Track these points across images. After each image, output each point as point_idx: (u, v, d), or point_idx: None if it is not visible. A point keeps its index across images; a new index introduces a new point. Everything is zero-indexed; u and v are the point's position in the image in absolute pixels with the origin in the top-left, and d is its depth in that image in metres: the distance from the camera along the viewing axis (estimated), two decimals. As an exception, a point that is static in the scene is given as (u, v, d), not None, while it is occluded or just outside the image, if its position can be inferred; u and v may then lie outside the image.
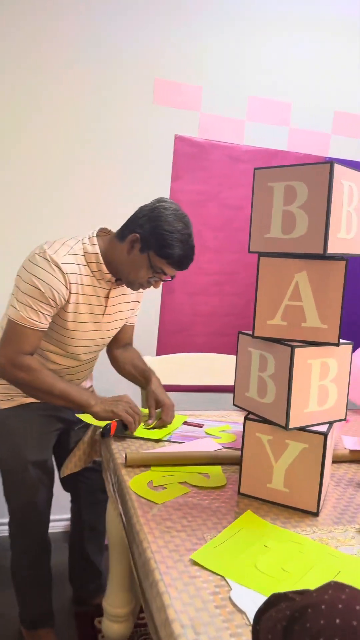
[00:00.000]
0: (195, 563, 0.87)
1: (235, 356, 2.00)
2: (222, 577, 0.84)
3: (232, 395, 2.28)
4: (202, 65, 2.18)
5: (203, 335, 2.37)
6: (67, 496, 1.80)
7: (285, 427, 1.03)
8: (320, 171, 0.97)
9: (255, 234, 1.07)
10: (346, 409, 1.12)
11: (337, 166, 0.96)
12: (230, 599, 0.79)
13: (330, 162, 0.96)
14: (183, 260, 1.35)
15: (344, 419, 1.12)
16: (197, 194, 2.25)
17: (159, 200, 1.38)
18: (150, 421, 1.46)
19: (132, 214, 1.46)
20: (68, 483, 1.73)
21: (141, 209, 1.40)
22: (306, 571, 0.86)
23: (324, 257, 1.00)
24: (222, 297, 2.37)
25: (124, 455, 1.25)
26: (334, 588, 0.49)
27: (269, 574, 0.85)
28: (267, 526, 0.99)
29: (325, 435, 1.04)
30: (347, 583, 0.51)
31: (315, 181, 0.98)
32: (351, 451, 1.33)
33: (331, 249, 0.99)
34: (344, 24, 2.31)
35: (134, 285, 1.42)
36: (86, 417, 1.40)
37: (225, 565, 0.86)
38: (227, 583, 0.82)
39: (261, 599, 0.79)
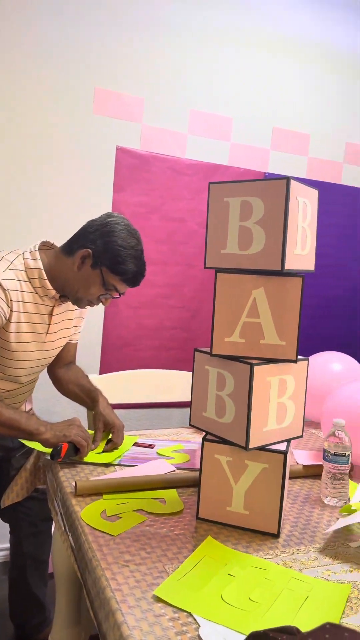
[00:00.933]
0: (159, 599, 0.81)
1: (182, 371, 1.98)
2: (189, 613, 0.79)
3: (180, 411, 2.24)
4: (144, 76, 2.15)
5: (149, 349, 2.32)
6: (4, 525, 1.67)
7: (246, 447, 1.00)
8: (276, 187, 0.96)
9: (212, 249, 1.04)
10: (303, 425, 1.12)
11: (292, 182, 0.96)
12: (199, 637, 0.74)
13: (287, 178, 0.95)
14: (137, 276, 1.30)
15: (301, 436, 1.11)
16: (140, 206, 2.21)
17: (109, 215, 1.33)
18: (94, 445, 1.38)
19: (74, 225, 1.39)
20: (6, 513, 1.61)
21: (90, 223, 1.33)
22: (274, 599, 0.83)
23: (281, 273, 0.99)
24: (168, 310, 2.33)
25: (73, 484, 1.17)
26: (332, 632, 0.46)
27: (237, 606, 0.81)
28: (229, 552, 0.96)
29: (285, 453, 1.02)
30: (340, 624, 0.48)
31: (272, 197, 0.96)
32: (305, 466, 1.33)
33: (288, 266, 0.99)
34: (283, 43, 2.37)
35: (82, 302, 1.36)
36: (33, 444, 1.31)
37: (191, 599, 0.82)
38: (195, 619, 0.78)
39: (232, 635, 0.75)
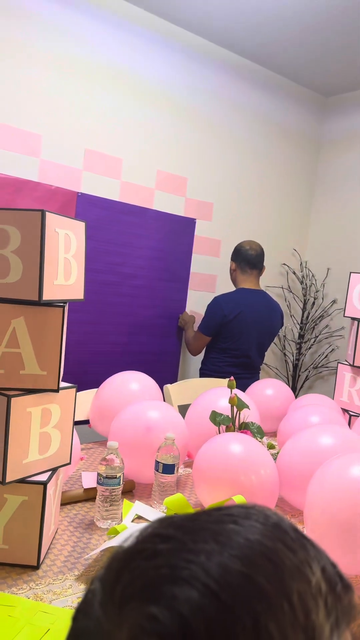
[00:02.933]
0: None
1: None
2: None
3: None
4: None
5: None
6: None
7: (2, 482, 0.98)
8: (31, 218, 0.96)
9: (-31, 276, 1.00)
10: (71, 452, 1.13)
11: (49, 215, 0.97)
12: None
13: (42, 211, 0.96)
14: None
15: (68, 463, 1.12)
16: None
17: None
18: None
19: None
20: None
21: None
22: (12, 638, 0.81)
23: (39, 303, 0.99)
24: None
25: None
26: None
27: (-31, 653, 0.78)
28: (-22, 593, 0.92)
29: (44, 484, 1.02)
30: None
31: (28, 228, 0.97)
32: (85, 490, 1.35)
33: (48, 296, 0.99)
34: (97, 70, 2.42)
35: None
36: None
37: None
38: None
39: None
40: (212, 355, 2.63)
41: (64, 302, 1.06)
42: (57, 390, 1.04)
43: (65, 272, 1.05)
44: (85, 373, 2.55)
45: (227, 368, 2.58)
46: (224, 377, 2.43)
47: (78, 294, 1.12)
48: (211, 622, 0.28)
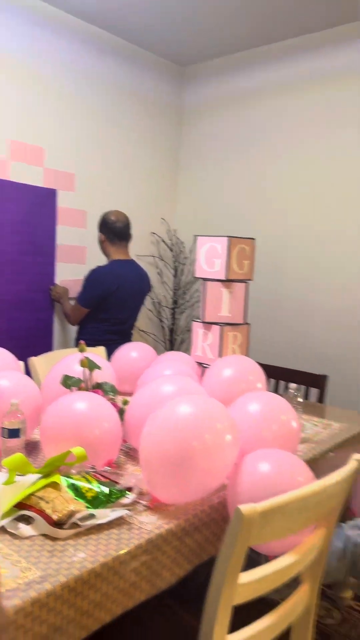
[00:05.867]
0: None
1: None
2: None
3: None
4: None
5: None
6: None
7: None
8: None
9: None
10: None
11: None
12: None
13: None
14: None
15: None
16: None
17: None
18: None
19: None
20: None
21: None
22: None
23: None
24: None
25: None
26: None
27: None
28: None
29: None
30: None
31: None
32: None
33: None
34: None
35: None
36: None
37: None
38: None
39: None
40: (91, 324, 2.67)
41: None
42: None
43: None
44: None
45: (106, 335, 2.67)
46: (104, 345, 2.48)
47: None
48: None
